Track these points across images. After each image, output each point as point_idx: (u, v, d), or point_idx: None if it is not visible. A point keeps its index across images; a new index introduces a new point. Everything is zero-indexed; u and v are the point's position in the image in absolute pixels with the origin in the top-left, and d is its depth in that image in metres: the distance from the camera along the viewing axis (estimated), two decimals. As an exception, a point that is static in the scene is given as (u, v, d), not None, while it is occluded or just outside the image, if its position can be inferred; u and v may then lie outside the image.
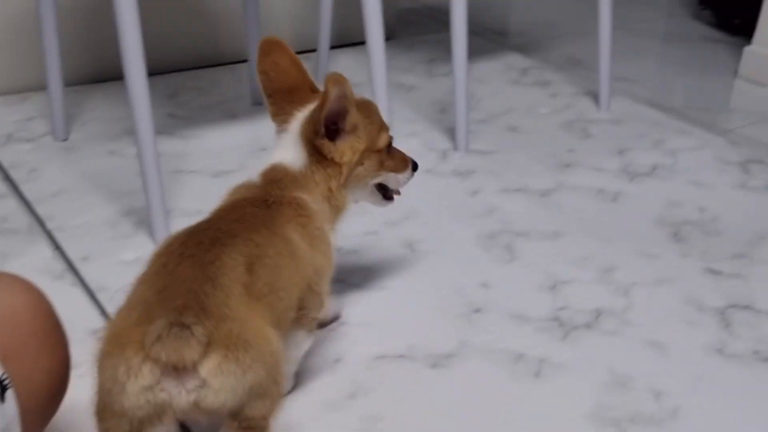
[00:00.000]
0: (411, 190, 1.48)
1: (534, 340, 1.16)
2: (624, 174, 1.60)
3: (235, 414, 0.82)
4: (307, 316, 1.02)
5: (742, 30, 2.38)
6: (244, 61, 1.93)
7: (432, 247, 1.36)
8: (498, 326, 1.19)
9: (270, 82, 1.09)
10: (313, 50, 2.00)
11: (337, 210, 1.08)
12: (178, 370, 0.76)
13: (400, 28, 2.37)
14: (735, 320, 1.21)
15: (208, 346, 0.76)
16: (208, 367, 0.77)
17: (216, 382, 0.77)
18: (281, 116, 1.09)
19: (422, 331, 1.17)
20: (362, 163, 1.07)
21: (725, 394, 1.07)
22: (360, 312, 1.21)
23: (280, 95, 1.09)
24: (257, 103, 1.81)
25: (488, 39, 2.34)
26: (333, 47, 2.05)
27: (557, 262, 1.33)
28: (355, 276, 1.28)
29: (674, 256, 1.35)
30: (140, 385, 0.76)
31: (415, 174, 1.16)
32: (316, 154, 1.03)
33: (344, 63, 2.07)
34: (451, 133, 1.72)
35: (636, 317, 1.21)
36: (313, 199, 1.04)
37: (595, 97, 1.91)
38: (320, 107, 0.98)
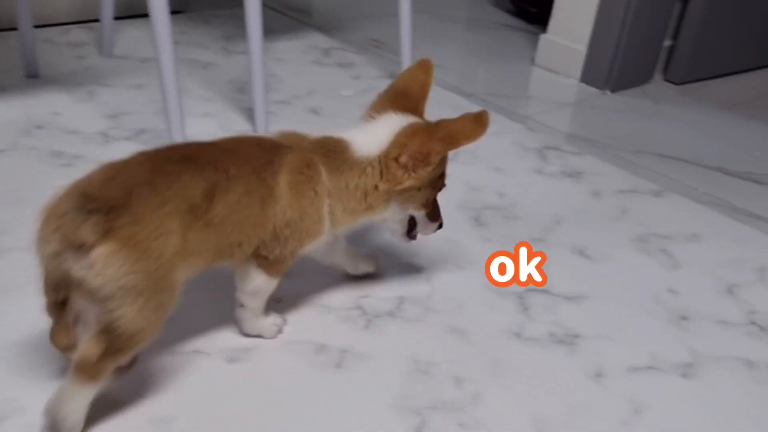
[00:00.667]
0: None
1: (336, 330, 1.14)
2: (426, 158, 1.61)
3: (104, 319, 0.88)
4: (266, 260, 1.06)
5: (539, 19, 2.47)
6: (14, 29, 1.75)
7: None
8: (301, 317, 1.15)
9: (399, 85, 1.20)
10: (96, 20, 1.88)
11: (366, 208, 1.12)
12: (75, 248, 0.86)
13: (195, 1, 2.28)
14: (532, 304, 1.24)
15: (104, 236, 0.85)
16: (97, 252, 0.85)
17: (98, 266, 0.86)
18: (379, 110, 1.17)
19: (218, 325, 1.12)
20: (418, 190, 1.13)
21: (523, 377, 1.10)
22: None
23: (394, 97, 1.18)
24: (32, 76, 1.68)
25: (290, 17, 2.30)
26: (120, 18, 1.94)
27: (362, 250, 1.32)
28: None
29: (475, 241, 1.37)
30: (50, 251, 0.88)
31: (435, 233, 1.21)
32: (391, 158, 1.10)
33: (131, 35, 1.98)
34: (249, 114, 1.66)
35: (438, 304, 1.22)
36: (338, 178, 1.09)
37: (398, 80, 1.91)
38: (446, 138, 1.09)
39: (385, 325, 1.16)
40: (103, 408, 0.95)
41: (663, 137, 1.87)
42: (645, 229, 1.47)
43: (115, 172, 0.93)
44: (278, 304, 1.16)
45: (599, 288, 1.29)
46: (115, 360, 0.91)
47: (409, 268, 1.28)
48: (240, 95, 1.77)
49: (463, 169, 1.58)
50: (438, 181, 1.16)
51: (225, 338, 1.09)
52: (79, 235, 0.85)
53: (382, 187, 1.11)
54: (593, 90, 2.09)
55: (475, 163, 1.62)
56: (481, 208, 1.47)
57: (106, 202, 0.87)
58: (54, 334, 0.96)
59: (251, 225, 1.02)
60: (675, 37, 2.19)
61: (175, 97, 1.41)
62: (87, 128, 1.57)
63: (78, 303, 0.90)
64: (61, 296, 0.91)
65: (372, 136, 1.12)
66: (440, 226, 1.20)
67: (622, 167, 1.68)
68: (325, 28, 2.25)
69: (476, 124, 1.09)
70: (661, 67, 2.23)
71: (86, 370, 0.90)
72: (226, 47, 2.02)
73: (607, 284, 1.31)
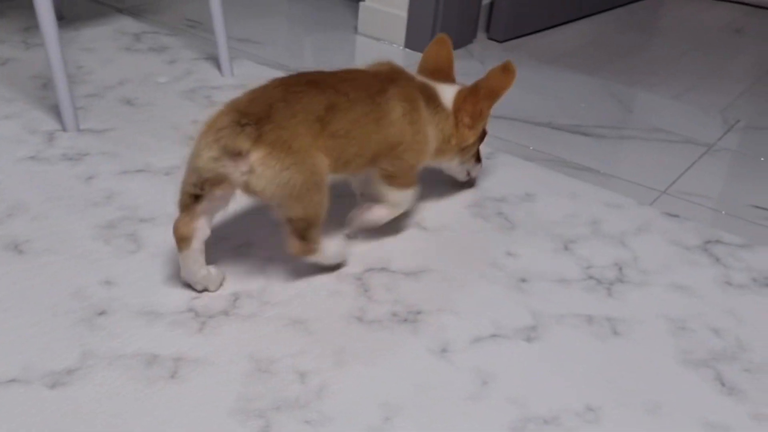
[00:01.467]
0: (14, 181, 1.33)
1: (168, 338, 1.08)
2: (252, 142, 1.56)
3: (284, 216, 1.15)
4: (390, 175, 1.28)
5: (358, -15, 2.44)
6: None
7: (43, 246, 1.22)
8: (126, 327, 1.09)
9: (429, 64, 1.46)
10: None
11: (441, 151, 1.37)
12: (234, 154, 1.08)
13: (-14, -8, 2.14)
14: (372, 284, 1.22)
15: (255, 143, 1.08)
16: (254, 157, 1.09)
17: (259, 171, 1.09)
18: (422, 75, 1.41)
19: (37, 348, 1.04)
20: (472, 144, 1.41)
21: (368, 362, 1.08)
22: None
23: (427, 73, 1.42)
24: None
25: (97, 2, 2.17)
26: None
27: (188, 246, 1.26)
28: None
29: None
30: (209, 156, 1.09)
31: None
32: (458, 109, 1.36)
33: None
34: (56, 111, 1.56)
35: (275, 295, 1.18)
36: (432, 117, 1.33)
37: (216, 61, 1.84)
38: (492, 96, 1.38)
39: (220, 325, 1.11)
40: None
41: (491, 97, 1.88)
42: (479, 193, 1.48)
43: (257, 94, 1.17)
44: (101, 316, 1.10)
45: (438, 260, 1.29)
46: (311, 236, 1.17)
47: (239, 258, 1.24)
48: (45, 92, 1.66)
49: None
50: (483, 134, 1.42)
51: (45, 361, 1.01)
52: (236, 144, 1.08)
53: (454, 141, 1.37)
54: (419, 54, 2.07)
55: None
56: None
57: (254, 116, 1.10)
58: (179, 225, 1.13)
59: (367, 140, 1.23)
60: (494, -5, 2.22)
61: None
62: None
63: (215, 197, 1.13)
64: (200, 192, 1.12)
65: (445, 94, 1.37)
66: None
67: (452, 132, 1.68)
68: (135, 11, 2.15)
69: (505, 74, 1.37)
70: (483, 26, 2.25)
71: (297, 249, 1.18)
72: (26, 40, 1.89)
73: (446, 255, 1.30)
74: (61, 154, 1.46)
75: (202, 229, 1.14)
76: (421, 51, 2.06)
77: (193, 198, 1.13)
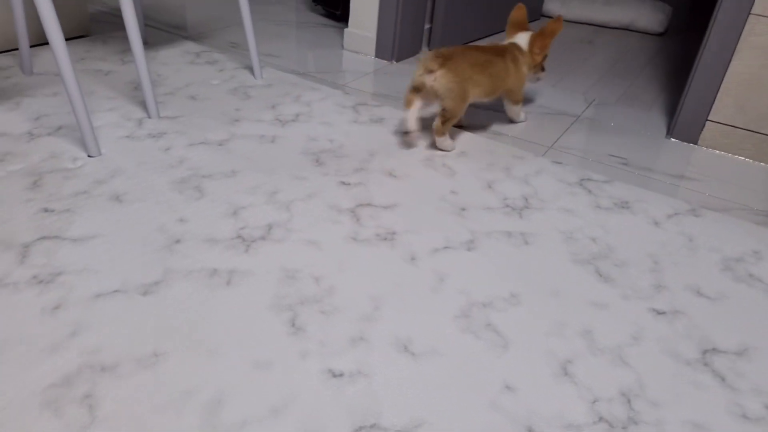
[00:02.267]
0: (115, 152, 1.20)
1: (224, 257, 0.96)
2: (277, 122, 1.42)
3: (442, 104, 1.30)
4: (513, 97, 1.49)
5: (343, 18, 2.28)
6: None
7: (136, 197, 1.09)
8: (195, 251, 0.97)
9: (513, 21, 1.51)
10: (16, 48, 1.55)
11: (526, 77, 1.49)
12: (429, 71, 1.27)
13: (95, 27, 1.94)
14: (362, 215, 1.11)
15: (440, 66, 1.27)
16: (438, 73, 1.27)
17: (440, 79, 1.27)
18: (511, 34, 1.49)
19: (132, 267, 0.92)
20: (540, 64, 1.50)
21: (361, 269, 0.97)
22: (76, 260, 0.92)
23: (514, 27, 1.50)
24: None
25: (167, 32, 1.99)
26: (34, 45, 1.61)
27: (236, 193, 1.13)
28: (70, 230, 0.99)
29: (318, 176, 1.22)
30: (419, 72, 1.28)
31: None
32: (530, 49, 1.47)
33: (45, 58, 1.64)
34: (144, 105, 1.41)
35: (296, 225, 1.06)
36: (522, 59, 1.45)
37: (251, 69, 1.69)
38: (550, 36, 1.47)
39: (259, 247, 1.00)
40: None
41: (434, 88, 1.75)
42: (429, 152, 1.36)
43: (448, 48, 1.32)
44: (177, 244, 0.98)
45: (405, 197, 1.17)
46: (448, 124, 1.34)
47: (273, 201, 1.12)
48: (136, 92, 1.50)
49: (304, 126, 1.41)
50: (544, 57, 1.50)
51: (138, 276, 0.90)
52: (431, 66, 1.28)
53: (530, 64, 1.47)
54: (384, 61, 1.94)
55: (311, 121, 1.44)
56: (318, 152, 1.31)
57: (443, 55, 1.29)
58: (408, 101, 1.31)
59: (503, 80, 1.41)
60: (431, 21, 2.07)
61: (79, 98, 1.16)
62: (15, 130, 1.28)
63: (423, 96, 1.30)
64: (417, 90, 1.30)
65: (522, 43, 1.47)
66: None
67: (410, 112, 1.56)
68: (195, 37, 1.97)
69: (557, 22, 1.46)
70: (426, 42, 2.10)
71: (439, 131, 1.35)
72: (122, 59, 1.71)
73: (410, 194, 1.19)
74: (147, 134, 1.31)
75: (416, 102, 1.30)
76: (386, 59, 1.94)
77: (413, 90, 1.30)
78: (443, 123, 1.33)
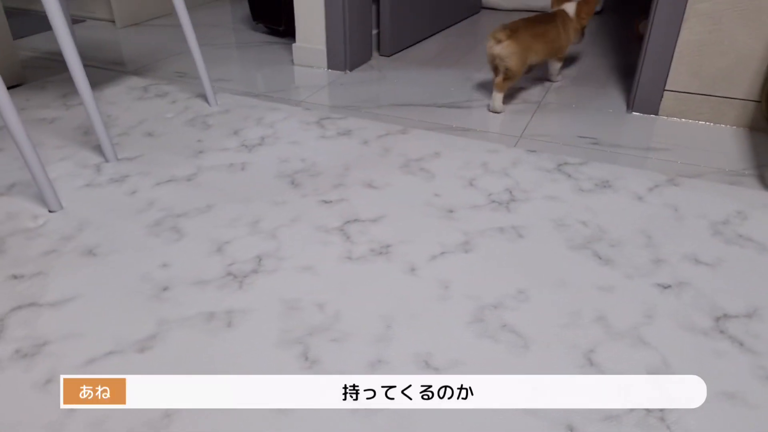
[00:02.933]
0: (78, 204, 1.12)
1: (218, 297, 0.91)
2: (243, 148, 1.36)
3: (504, 67, 1.52)
4: (559, 55, 1.72)
5: (287, 33, 2.23)
6: None
7: (110, 248, 1.02)
8: (186, 296, 0.91)
9: None
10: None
11: (573, 38, 1.72)
12: (498, 41, 1.51)
13: (30, 74, 1.82)
14: (351, 232, 1.06)
15: (507, 38, 1.50)
16: (505, 42, 1.50)
17: (506, 47, 1.50)
18: (557, 4, 1.71)
19: (122, 324, 0.85)
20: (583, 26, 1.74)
21: (364, 288, 0.93)
22: (58, 326, 0.85)
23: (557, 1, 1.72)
24: None
25: (107, 69, 1.90)
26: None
27: (217, 228, 1.07)
28: (46, 295, 0.91)
29: (297, 198, 1.17)
30: (489, 44, 1.52)
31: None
32: (578, 15, 1.70)
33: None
34: (99, 149, 1.32)
35: (286, 252, 1.01)
36: (570, 24, 1.68)
37: (204, 97, 1.62)
38: (594, 3, 1.72)
39: (253, 281, 0.94)
40: None
41: (392, 93, 1.72)
42: (404, 158, 1.33)
43: (512, 23, 1.53)
44: (165, 291, 0.91)
45: (390, 207, 1.14)
46: (508, 82, 1.55)
47: (257, 231, 1.06)
48: (87, 137, 1.42)
49: (271, 149, 1.36)
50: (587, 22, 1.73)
51: (131, 333, 0.83)
52: (499, 36, 1.50)
53: (577, 28, 1.71)
54: (338, 72, 1.90)
55: (278, 142, 1.39)
56: (292, 173, 1.26)
57: (510, 27, 1.50)
58: (495, 80, 1.56)
59: (557, 43, 1.65)
60: (378, 27, 2.04)
61: (31, 151, 1.07)
62: (-36, 194, 1.18)
63: (498, 64, 1.53)
64: (494, 64, 1.54)
65: (570, 10, 1.69)
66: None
67: (374, 119, 1.52)
68: (138, 72, 1.88)
69: None
70: (375, 47, 2.07)
71: (499, 86, 1.55)
72: (65, 104, 1.62)
73: (395, 203, 1.15)
74: (109, 179, 1.23)
75: (495, 82, 1.55)
76: (339, 70, 1.90)
77: (493, 69, 1.56)
78: (504, 80, 1.55)
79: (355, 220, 1.10)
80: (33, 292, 0.91)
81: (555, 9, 1.70)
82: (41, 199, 1.13)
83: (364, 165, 1.29)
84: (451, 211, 1.12)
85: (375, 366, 0.78)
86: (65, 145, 1.37)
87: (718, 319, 0.88)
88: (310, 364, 0.79)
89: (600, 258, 1.00)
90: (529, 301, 0.90)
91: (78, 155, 1.33)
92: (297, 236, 1.05)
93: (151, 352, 0.80)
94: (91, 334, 0.83)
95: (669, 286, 0.94)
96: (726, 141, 1.43)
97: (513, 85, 1.60)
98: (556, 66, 1.75)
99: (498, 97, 1.56)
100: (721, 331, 0.85)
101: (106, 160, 1.29)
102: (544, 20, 1.62)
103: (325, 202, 1.15)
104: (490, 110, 1.58)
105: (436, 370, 0.78)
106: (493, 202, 1.16)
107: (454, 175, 1.25)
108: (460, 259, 0.99)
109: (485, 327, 0.85)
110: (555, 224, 1.09)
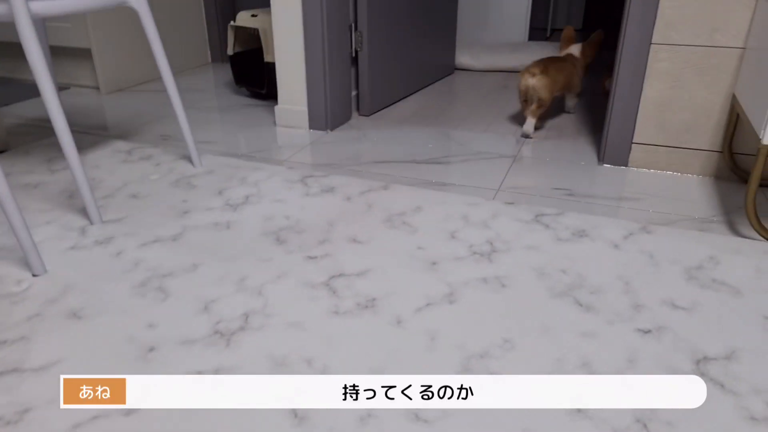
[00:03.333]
0: (63, 266, 1.11)
1: (205, 356, 0.90)
2: (228, 207, 1.38)
3: (537, 97, 1.81)
4: (573, 91, 2.01)
5: (269, 96, 2.28)
6: None
7: (95, 310, 1.01)
8: (173, 356, 0.90)
9: (563, 38, 2.04)
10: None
11: (584, 70, 2.02)
12: (532, 75, 1.80)
13: (14, 140, 1.84)
14: (337, 287, 1.07)
15: (540, 72, 1.80)
16: (537, 77, 1.79)
17: (539, 80, 1.79)
18: (564, 48, 2.02)
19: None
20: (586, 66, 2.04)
21: (350, 342, 0.93)
22: (42, 391, 0.83)
23: (565, 41, 2.03)
24: None
25: (92, 134, 1.92)
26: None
27: (203, 287, 1.07)
28: (30, 359, 0.89)
29: (282, 255, 1.18)
30: (525, 79, 1.82)
31: None
32: (582, 54, 2.01)
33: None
34: (84, 212, 1.33)
35: (273, 309, 1.01)
36: (578, 63, 1.98)
37: (189, 159, 1.64)
38: (596, 45, 2.02)
39: (240, 339, 0.94)
40: None
41: (372, 151, 1.76)
42: (387, 213, 1.35)
43: (540, 60, 1.87)
44: (151, 352, 0.90)
45: (375, 261, 1.15)
46: (540, 109, 1.83)
47: (243, 289, 1.06)
48: (72, 200, 1.42)
49: (256, 207, 1.37)
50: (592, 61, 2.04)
51: (117, 395, 0.82)
52: (534, 71, 1.80)
53: (582, 68, 2.00)
54: (320, 132, 1.95)
55: (262, 201, 1.41)
56: (277, 230, 1.27)
57: (540, 64, 1.83)
58: (523, 109, 1.86)
59: (573, 79, 1.95)
60: (357, 88, 2.11)
61: (17, 215, 1.07)
62: (-54, 260, 1.17)
63: (529, 97, 1.83)
64: (526, 96, 1.83)
65: (576, 52, 2.00)
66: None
67: (356, 176, 1.56)
68: (122, 136, 1.91)
69: (599, 35, 2.02)
70: (355, 107, 2.13)
71: (533, 113, 1.83)
72: (50, 168, 1.62)
73: (379, 257, 1.17)
74: (94, 241, 1.23)
75: (529, 110, 1.84)
76: (321, 130, 1.94)
77: (523, 102, 1.86)
78: (537, 108, 1.82)
79: (341, 275, 1.11)
80: (16, 358, 0.89)
81: (564, 53, 2.01)
82: (25, 263, 1.12)
83: (348, 220, 1.31)
84: (434, 264, 1.14)
85: (365, 421, 0.78)
86: (50, 209, 1.37)
87: (698, 361, 0.89)
88: (299, 421, 0.78)
89: (581, 305, 1.02)
90: (514, 349, 0.91)
91: (63, 218, 1.33)
92: (283, 292, 1.05)
93: (138, 414, 0.78)
94: (76, 398, 0.81)
95: (649, 331, 0.95)
96: (693, 190, 1.49)
97: (543, 112, 1.90)
98: (573, 100, 2.06)
99: (531, 122, 1.84)
100: (702, 374, 0.87)
101: (91, 223, 1.30)
102: (561, 60, 1.94)
103: (311, 258, 1.16)
104: (522, 136, 1.86)
105: (426, 422, 0.78)
106: (475, 253, 1.18)
107: (435, 228, 1.28)
108: (446, 310, 1.00)
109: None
110: (536, 273, 1.11)
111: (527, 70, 1.82)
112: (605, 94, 2.24)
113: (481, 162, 1.67)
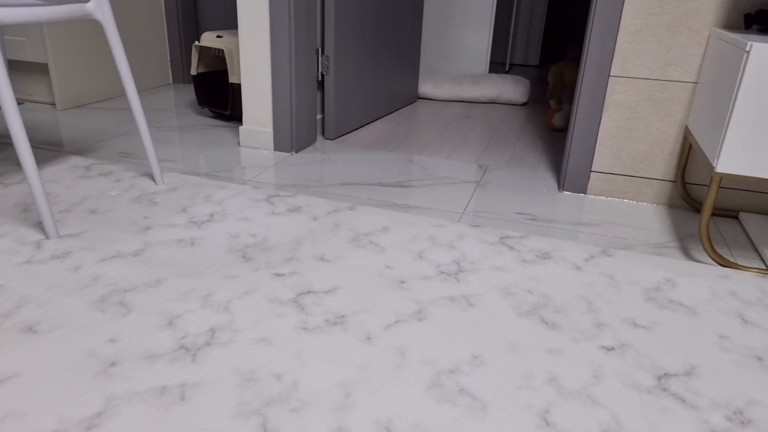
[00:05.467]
0: (16, 280, 1.07)
1: (169, 371, 0.88)
2: (192, 224, 1.36)
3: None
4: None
5: (233, 117, 2.28)
6: None
7: (52, 324, 0.97)
8: (135, 371, 0.87)
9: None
10: None
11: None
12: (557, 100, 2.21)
13: (-35, 153, 1.78)
14: (306, 303, 1.07)
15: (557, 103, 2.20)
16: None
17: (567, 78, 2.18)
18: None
19: (67, 402, 0.81)
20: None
21: (319, 357, 0.92)
22: (-3, 406, 0.80)
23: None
24: None
25: (47, 149, 1.87)
26: None
27: (167, 303, 1.05)
28: (-19, 374, 0.85)
29: (249, 271, 1.16)
30: (552, 79, 2.27)
31: None
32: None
33: None
34: (39, 226, 1.29)
35: (240, 324, 1.00)
36: None
37: (150, 176, 1.62)
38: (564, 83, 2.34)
39: (206, 354, 0.92)
40: None
41: (337, 173, 1.78)
42: (354, 232, 1.36)
43: (557, 65, 2.29)
44: (113, 367, 0.87)
45: (343, 279, 1.15)
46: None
47: (209, 304, 1.05)
48: (26, 214, 1.37)
49: (221, 225, 1.36)
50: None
51: (76, 410, 0.79)
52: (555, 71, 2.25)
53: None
54: (285, 154, 1.95)
55: (227, 219, 1.40)
56: (243, 248, 1.26)
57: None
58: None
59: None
60: (323, 111, 2.13)
61: (-31, 226, 1.03)
62: None
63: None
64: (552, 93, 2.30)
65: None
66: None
67: (322, 197, 1.56)
68: (80, 152, 1.86)
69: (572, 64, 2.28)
70: (320, 131, 2.15)
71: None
72: (3, 182, 1.57)
73: (347, 275, 1.17)
74: (50, 255, 1.19)
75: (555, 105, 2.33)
76: (286, 151, 1.95)
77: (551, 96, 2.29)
78: (558, 105, 2.21)
79: (309, 292, 1.10)
80: (-33, 371, 0.85)
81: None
82: (-24, 276, 1.07)
83: (314, 239, 1.31)
84: (402, 282, 1.15)
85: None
86: (3, 222, 1.33)
87: (660, 377, 0.92)
88: (269, 435, 0.77)
89: (547, 323, 1.04)
90: (483, 365, 0.92)
91: (16, 232, 1.28)
92: (250, 308, 1.04)
93: (98, 430, 0.75)
94: (32, 413, 0.78)
95: (612, 348, 0.99)
96: (648, 217, 1.55)
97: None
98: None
99: (560, 114, 2.29)
100: (664, 389, 0.90)
101: (47, 237, 1.26)
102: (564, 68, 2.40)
103: (278, 275, 1.16)
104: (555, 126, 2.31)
105: (398, 436, 0.78)
106: (443, 273, 1.20)
107: (403, 248, 1.29)
108: (415, 327, 1.01)
109: (443, 391, 0.86)
110: (502, 293, 1.13)
111: (553, 70, 2.38)
112: (554, 129, 2.34)
113: (445, 186, 1.71)
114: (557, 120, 2.30)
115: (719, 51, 1.35)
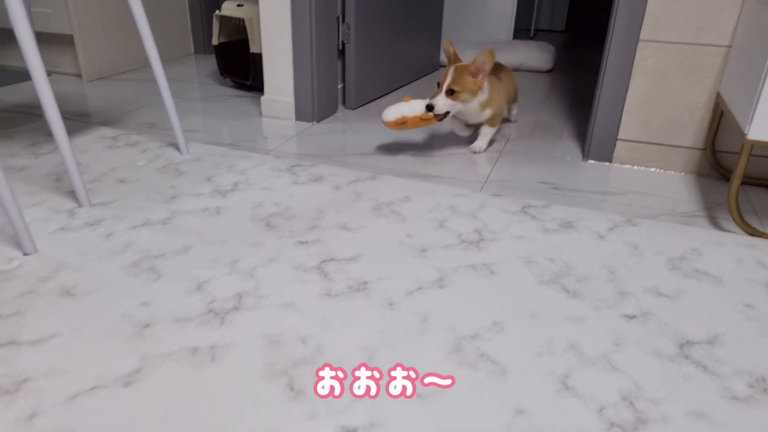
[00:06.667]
0: (53, 247, 1.12)
1: (200, 333, 0.92)
2: (217, 193, 1.39)
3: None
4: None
5: (254, 87, 2.30)
6: None
7: (88, 288, 1.02)
8: (168, 333, 0.91)
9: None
10: None
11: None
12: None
13: (-4, 124, 1.84)
14: (329, 270, 1.10)
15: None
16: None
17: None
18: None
19: (105, 360, 0.85)
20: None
21: (344, 322, 0.95)
22: (39, 364, 0.84)
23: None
24: None
25: (75, 120, 1.92)
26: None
27: (195, 269, 1.08)
28: (24, 333, 0.90)
29: (273, 239, 1.20)
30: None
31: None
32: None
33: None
34: (72, 195, 1.33)
35: (266, 290, 1.03)
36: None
37: (176, 146, 1.65)
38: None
39: (234, 318, 0.96)
40: None
41: (358, 143, 1.79)
42: (375, 202, 1.38)
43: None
44: (147, 328, 0.92)
45: (365, 247, 1.18)
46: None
47: (236, 271, 1.08)
48: (59, 183, 1.42)
49: (245, 194, 1.39)
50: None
51: (114, 369, 0.83)
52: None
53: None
54: (306, 123, 1.97)
55: (251, 188, 1.43)
56: (267, 216, 1.29)
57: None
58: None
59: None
60: (344, 81, 2.14)
61: (9, 194, 1.08)
62: (-71, 240, 1.17)
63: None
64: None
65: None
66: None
67: (344, 167, 1.58)
68: (107, 122, 1.91)
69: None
70: (341, 100, 2.16)
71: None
72: (34, 152, 1.62)
73: (369, 243, 1.19)
74: (84, 223, 1.24)
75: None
76: (307, 121, 1.97)
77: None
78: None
79: (332, 260, 1.13)
80: (11, 332, 0.90)
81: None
82: (15, 242, 1.12)
83: (337, 209, 1.34)
84: (424, 250, 1.17)
85: (360, 396, 0.81)
86: (37, 192, 1.37)
87: (682, 345, 0.94)
88: (295, 394, 0.80)
89: (568, 292, 1.06)
90: (504, 332, 0.95)
91: (50, 201, 1.33)
92: (275, 275, 1.08)
93: (135, 386, 0.80)
94: (73, 371, 0.82)
95: (634, 317, 1.00)
96: (676, 186, 1.54)
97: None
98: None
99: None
100: (686, 357, 0.91)
101: (80, 206, 1.30)
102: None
103: (302, 243, 1.19)
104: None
105: (420, 397, 0.81)
106: (464, 241, 1.21)
107: (424, 217, 1.31)
108: (436, 294, 1.04)
109: (464, 356, 0.89)
110: (524, 261, 1.15)
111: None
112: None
113: (467, 156, 1.71)
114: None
115: (756, 13, 1.32)
